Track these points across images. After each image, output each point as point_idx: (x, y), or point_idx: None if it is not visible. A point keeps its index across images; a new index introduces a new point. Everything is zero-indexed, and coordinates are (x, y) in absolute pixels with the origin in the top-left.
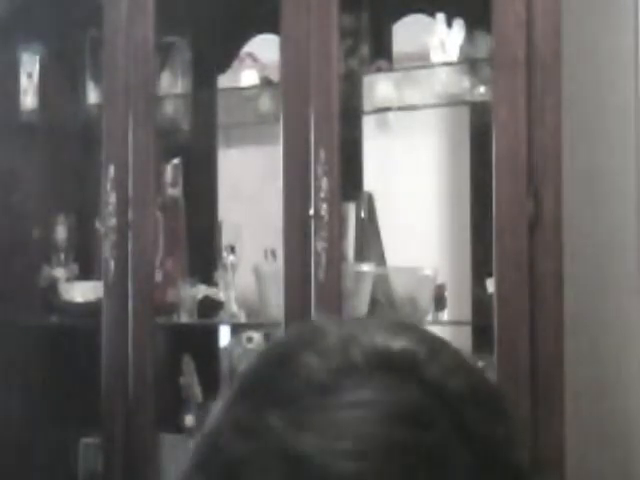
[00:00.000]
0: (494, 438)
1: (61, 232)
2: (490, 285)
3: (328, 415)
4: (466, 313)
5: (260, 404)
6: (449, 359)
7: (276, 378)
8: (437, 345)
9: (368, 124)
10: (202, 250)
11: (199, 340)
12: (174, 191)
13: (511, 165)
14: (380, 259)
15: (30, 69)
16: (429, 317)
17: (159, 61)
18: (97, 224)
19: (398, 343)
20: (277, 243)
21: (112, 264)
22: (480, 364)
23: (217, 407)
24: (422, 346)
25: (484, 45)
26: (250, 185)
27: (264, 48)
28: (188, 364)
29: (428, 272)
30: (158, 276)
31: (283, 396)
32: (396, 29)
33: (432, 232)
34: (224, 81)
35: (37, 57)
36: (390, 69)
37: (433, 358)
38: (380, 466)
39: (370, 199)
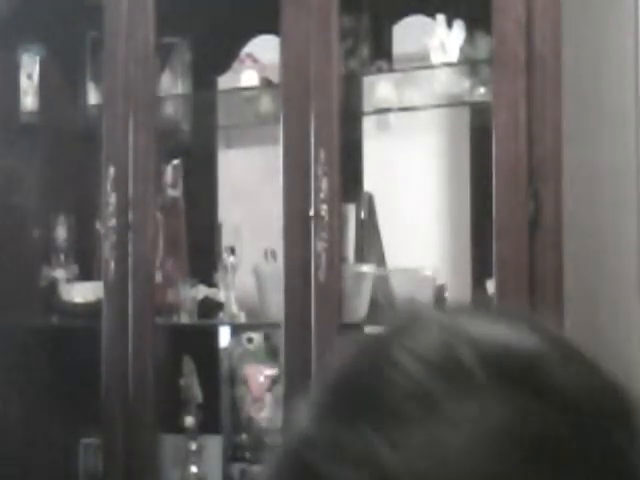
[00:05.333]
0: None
1: (61, 232)
2: (490, 285)
3: (440, 443)
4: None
5: (356, 417)
6: (581, 366)
7: (372, 388)
8: (566, 347)
9: (368, 124)
10: (202, 251)
11: (199, 341)
12: (174, 192)
13: (511, 165)
14: (380, 260)
15: (30, 70)
16: None
17: (159, 62)
18: (97, 225)
19: (521, 344)
20: (277, 243)
21: (112, 264)
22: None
23: (305, 414)
24: (550, 349)
25: (484, 46)
26: (250, 185)
27: (264, 49)
28: (188, 365)
29: (428, 273)
30: (158, 277)
31: (383, 413)
32: (396, 30)
33: (432, 232)
34: (224, 82)
35: (37, 58)
36: (390, 70)
37: (564, 365)
38: None
39: (370, 199)
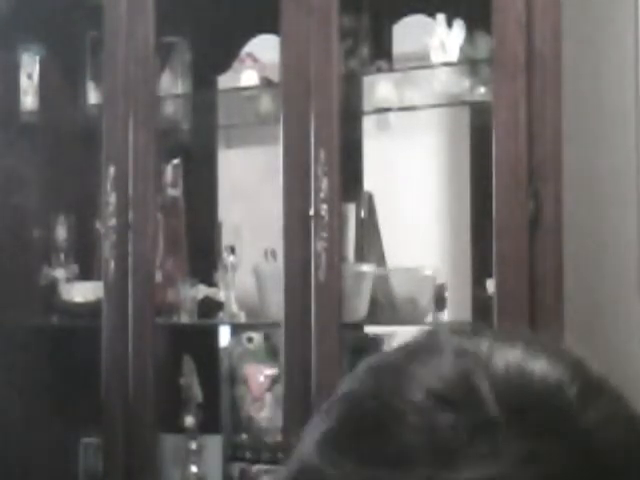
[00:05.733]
0: None
1: (61, 232)
2: (490, 285)
3: (437, 476)
4: (466, 313)
5: (360, 452)
6: (609, 403)
7: (378, 419)
8: (588, 375)
9: (368, 124)
10: (202, 250)
11: (199, 340)
12: (174, 191)
13: (511, 165)
14: (380, 259)
15: (30, 69)
16: (429, 317)
17: (159, 61)
18: (97, 224)
19: (539, 372)
20: (277, 243)
21: (112, 264)
22: None
23: (308, 439)
24: (570, 379)
25: (484, 46)
26: (250, 185)
27: (264, 48)
28: (188, 364)
29: (428, 272)
30: (158, 276)
31: (386, 445)
32: (396, 29)
33: (432, 232)
34: (224, 81)
35: (37, 57)
36: (390, 69)
37: (584, 400)
38: None
39: (370, 199)
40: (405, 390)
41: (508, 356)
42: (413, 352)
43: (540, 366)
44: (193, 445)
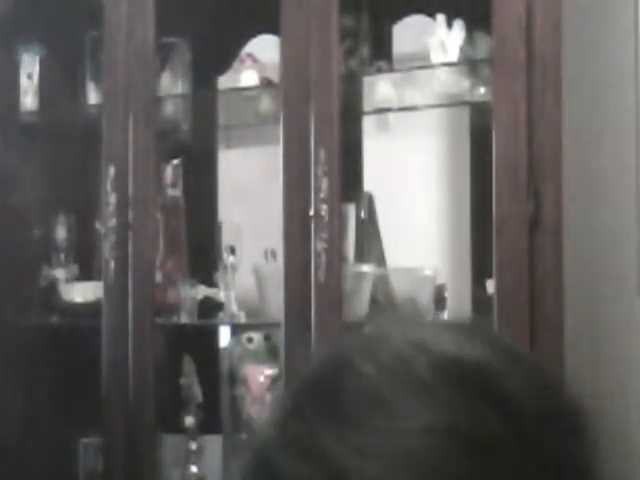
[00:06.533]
0: (572, 460)
1: (61, 232)
2: (490, 285)
3: (391, 440)
4: (466, 313)
5: (316, 420)
6: (526, 371)
7: (333, 391)
8: (513, 355)
9: (368, 124)
10: (202, 251)
11: (199, 340)
12: (174, 191)
13: (511, 165)
14: (380, 259)
15: (30, 69)
16: (429, 318)
17: (159, 61)
18: (97, 224)
19: (470, 353)
20: (277, 243)
21: (112, 264)
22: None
23: (272, 416)
24: (498, 356)
25: (484, 46)
26: (250, 185)
27: (264, 48)
28: (188, 364)
29: (428, 272)
30: (158, 276)
31: (341, 413)
32: (396, 30)
33: (432, 232)
34: (224, 82)
35: (37, 57)
36: (390, 70)
37: (509, 371)
38: None
39: (370, 199)
40: (355, 364)
41: (446, 341)
42: (364, 339)
43: (473, 348)
44: (193, 445)
